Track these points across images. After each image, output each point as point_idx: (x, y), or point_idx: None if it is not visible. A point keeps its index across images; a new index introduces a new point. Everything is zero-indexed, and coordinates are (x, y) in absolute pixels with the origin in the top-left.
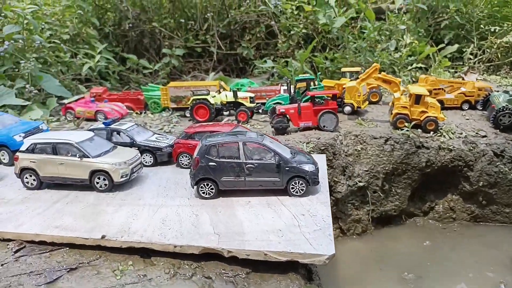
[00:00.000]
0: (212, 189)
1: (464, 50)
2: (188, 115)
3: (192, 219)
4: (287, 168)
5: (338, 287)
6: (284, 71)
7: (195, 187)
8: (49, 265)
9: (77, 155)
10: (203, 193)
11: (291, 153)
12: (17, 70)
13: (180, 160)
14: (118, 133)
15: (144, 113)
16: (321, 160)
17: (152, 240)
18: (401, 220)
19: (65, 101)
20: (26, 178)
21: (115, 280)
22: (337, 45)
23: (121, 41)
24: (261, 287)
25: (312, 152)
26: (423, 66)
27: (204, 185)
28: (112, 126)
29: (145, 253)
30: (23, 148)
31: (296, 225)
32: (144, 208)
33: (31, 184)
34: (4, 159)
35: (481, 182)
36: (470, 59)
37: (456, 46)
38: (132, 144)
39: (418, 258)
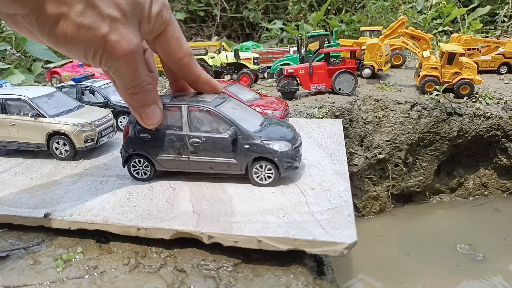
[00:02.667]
0: (147, 167)
1: (497, 12)
2: None
3: (167, 193)
4: (247, 146)
5: (358, 279)
6: (295, 34)
7: (126, 166)
8: None
9: (30, 113)
10: (137, 173)
11: (261, 125)
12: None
13: None
14: (92, 92)
15: None
16: (336, 125)
17: (109, 221)
18: (425, 197)
19: (50, 65)
20: None
21: (54, 273)
22: (354, 7)
23: None
24: (253, 284)
25: (325, 117)
26: (450, 29)
27: (136, 162)
28: (84, 83)
29: (103, 236)
30: None
31: (304, 202)
32: (108, 180)
33: None
34: None
35: None
36: (504, 21)
37: (488, 7)
38: (106, 105)
39: (445, 239)
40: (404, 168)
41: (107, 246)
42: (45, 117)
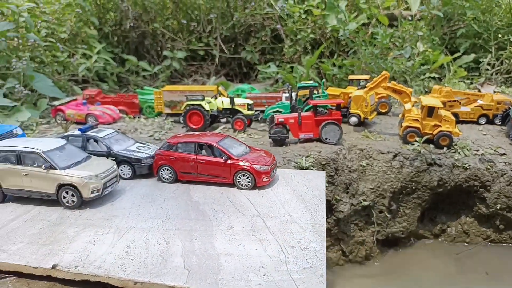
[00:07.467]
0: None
1: (481, 60)
2: (182, 121)
3: (161, 247)
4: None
5: None
6: (289, 77)
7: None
8: None
9: (43, 166)
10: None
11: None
12: (10, 69)
13: (161, 174)
14: (96, 140)
15: (138, 117)
16: (319, 177)
17: (110, 274)
18: (409, 243)
19: (56, 102)
20: None
21: None
22: (346, 52)
23: (121, 42)
24: None
25: (311, 168)
26: (436, 76)
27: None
28: (89, 133)
29: (104, 286)
30: None
31: (283, 261)
32: (109, 231)
33: None
34: None
35: (499, 205)
36: (487, 69)
37: (472, 55)
38: (109, 154)
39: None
40: (388, 215)
41: None
42: (57, 169)
